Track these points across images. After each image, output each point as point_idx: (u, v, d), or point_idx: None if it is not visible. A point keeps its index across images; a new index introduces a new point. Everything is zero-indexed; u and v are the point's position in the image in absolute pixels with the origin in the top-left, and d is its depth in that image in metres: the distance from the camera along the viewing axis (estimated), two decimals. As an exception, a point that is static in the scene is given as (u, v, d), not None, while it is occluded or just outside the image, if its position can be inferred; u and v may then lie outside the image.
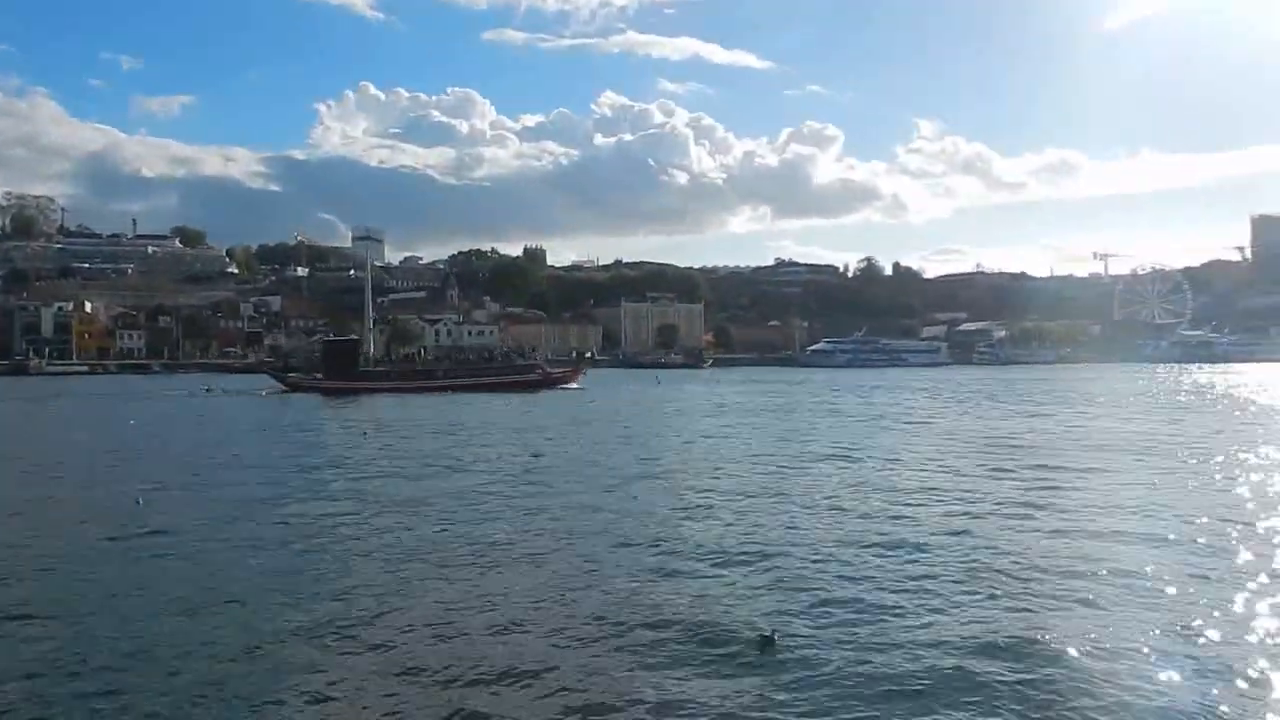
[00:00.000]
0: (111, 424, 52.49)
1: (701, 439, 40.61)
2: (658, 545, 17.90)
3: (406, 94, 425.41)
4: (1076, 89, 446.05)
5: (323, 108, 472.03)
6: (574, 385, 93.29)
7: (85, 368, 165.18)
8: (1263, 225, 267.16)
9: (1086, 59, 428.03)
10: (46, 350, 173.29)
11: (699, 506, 22.18)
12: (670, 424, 50.25)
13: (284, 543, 18.28)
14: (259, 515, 21.01)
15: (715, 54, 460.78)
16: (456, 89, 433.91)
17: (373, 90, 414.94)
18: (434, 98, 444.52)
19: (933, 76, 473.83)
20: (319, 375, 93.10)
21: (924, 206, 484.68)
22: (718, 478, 27.30)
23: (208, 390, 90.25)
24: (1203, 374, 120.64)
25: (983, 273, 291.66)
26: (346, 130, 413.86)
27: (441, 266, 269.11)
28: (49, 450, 38.69)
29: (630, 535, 18.87)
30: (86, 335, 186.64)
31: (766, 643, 11.68)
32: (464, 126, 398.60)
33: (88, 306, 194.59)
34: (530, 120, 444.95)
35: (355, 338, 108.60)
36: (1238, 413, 53.83)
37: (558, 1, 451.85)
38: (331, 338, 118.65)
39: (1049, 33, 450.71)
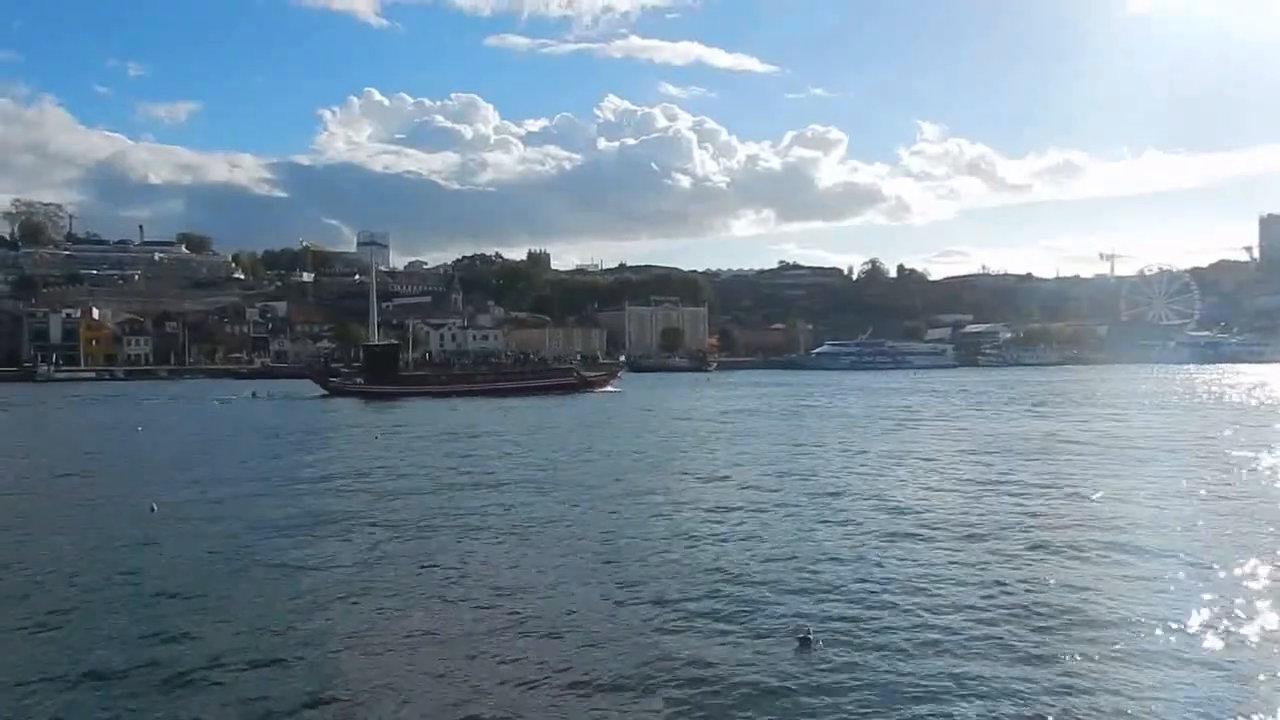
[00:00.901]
0: (166, 428, 53.73)
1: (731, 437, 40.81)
2: (701, 542, 18.35)
3: (410, 100, 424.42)
4: (1079, 91, 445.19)
5: (327, 114, 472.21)
6: (610, 388, 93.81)
7: (92, 374, 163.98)
8: (1270, 225, 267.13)
9: (1088, 60, 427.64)
10: (54, 356, 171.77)
11: (741, 507, 22.42)
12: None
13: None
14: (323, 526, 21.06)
15: (718, 58, 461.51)
16: (460, 94, 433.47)
17: (377, 96, 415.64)
18: (438, 103, 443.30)
19: (935, 79, 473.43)
20: (360, 380, 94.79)
21: (927, 208, 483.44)
22: (759, 478, 27.68)
23: (254, 395, 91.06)
24: (1214, 374, 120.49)
25: (987, 274, 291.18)
26: (351, 136, 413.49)
27: (446, 271, 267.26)
28: (115, 451, 39.77)
29: (677, 532, 19.40)
30: (94, 342, 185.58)
31: (804, 644, 11.73)
32: (468, 131, 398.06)
33: (95, 313, 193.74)
34: (534, 125, 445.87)
35: (396, 343, 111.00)
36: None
37: (560, 7, 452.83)
38: (371, 343, 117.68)
39: (1050, 35, 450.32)
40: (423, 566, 16.82)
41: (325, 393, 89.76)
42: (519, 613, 13.62)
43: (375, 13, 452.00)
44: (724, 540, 18.74)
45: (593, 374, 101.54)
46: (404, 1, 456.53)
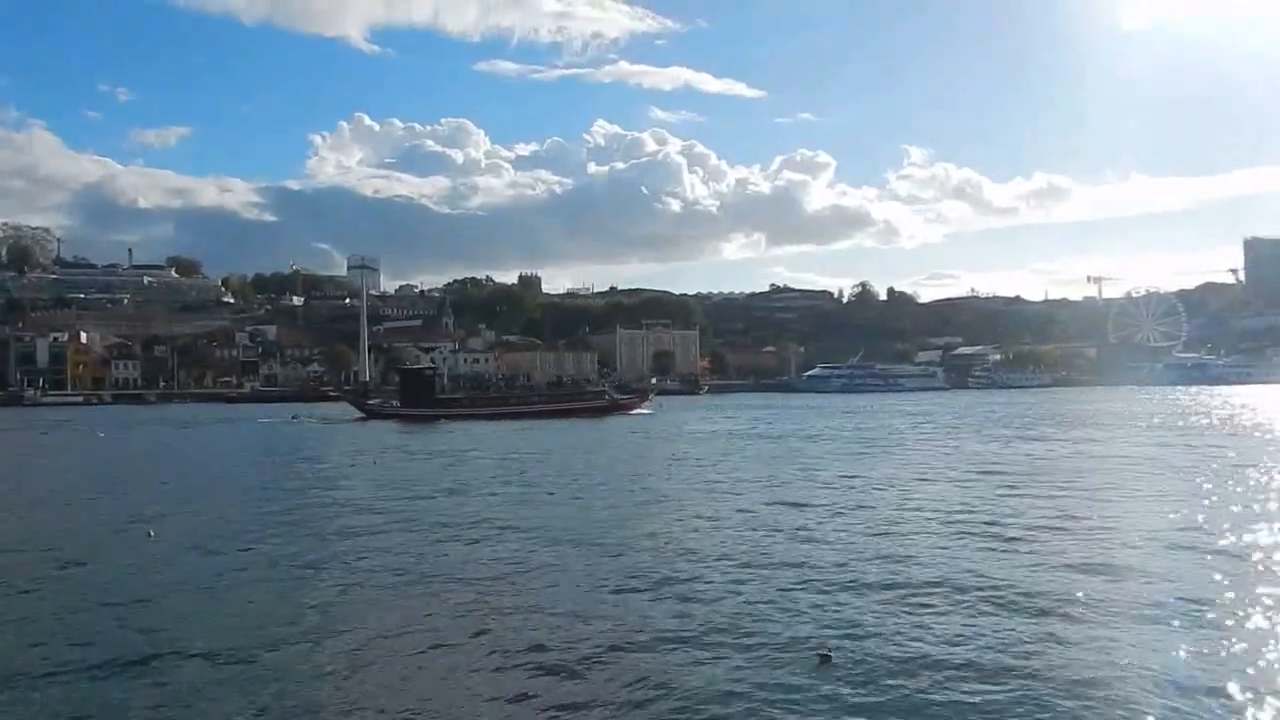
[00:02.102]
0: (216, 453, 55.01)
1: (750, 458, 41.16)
2: (722, 560, 18.31)
3: (401, 125, 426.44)
4: (1064, 115, 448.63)
5: (318, 139, 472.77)
6: (642, 411, 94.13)
7: (80, 398, 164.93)
8: (1254, 247, 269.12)
9: (1072, 85, 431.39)
10: (41, 381, 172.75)
11: (761, 526, 22.51)
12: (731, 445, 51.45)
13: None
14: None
15: (706, 83, 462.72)
16: (450, 119, 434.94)
17: (367, 121, 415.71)
18: (428, 128, 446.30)
19: (921, 104, 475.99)
20: (396, 403, 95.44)
21: (916, 232, 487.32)
22: (781, 497, 27.78)
23: (294, 418, 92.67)
24: (1201, 396, 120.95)
25: (976, 297, 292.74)
26: (342, 161, 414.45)
27: (437, 295, 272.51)
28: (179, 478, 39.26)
29: (695, 550, 19.45)
30: (81, 366, 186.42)
31: (824, 661, 11.73)
32: (458, 156, 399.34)
33: (83, 337, 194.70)
34: (524, 149, 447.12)
35: (433, 367, 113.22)
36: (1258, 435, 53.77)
37: (550, 33, 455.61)
38: (409, 366, 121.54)
39: (1034, 60, 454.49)
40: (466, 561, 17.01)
41: (362, 416, 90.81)
42: (532, 628, 13.66)
43: (365, 39, 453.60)
44: (743, 555, 18.83)
45: (624, 397, 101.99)
46: (394, 28, 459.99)
